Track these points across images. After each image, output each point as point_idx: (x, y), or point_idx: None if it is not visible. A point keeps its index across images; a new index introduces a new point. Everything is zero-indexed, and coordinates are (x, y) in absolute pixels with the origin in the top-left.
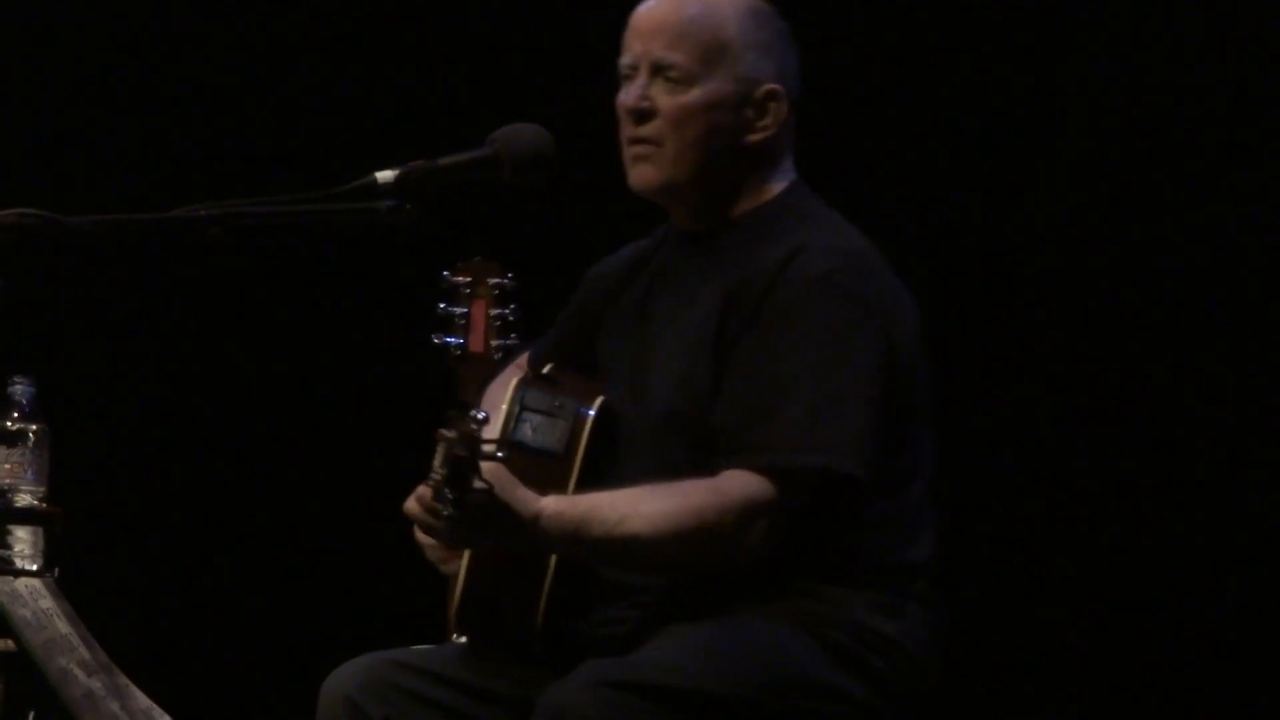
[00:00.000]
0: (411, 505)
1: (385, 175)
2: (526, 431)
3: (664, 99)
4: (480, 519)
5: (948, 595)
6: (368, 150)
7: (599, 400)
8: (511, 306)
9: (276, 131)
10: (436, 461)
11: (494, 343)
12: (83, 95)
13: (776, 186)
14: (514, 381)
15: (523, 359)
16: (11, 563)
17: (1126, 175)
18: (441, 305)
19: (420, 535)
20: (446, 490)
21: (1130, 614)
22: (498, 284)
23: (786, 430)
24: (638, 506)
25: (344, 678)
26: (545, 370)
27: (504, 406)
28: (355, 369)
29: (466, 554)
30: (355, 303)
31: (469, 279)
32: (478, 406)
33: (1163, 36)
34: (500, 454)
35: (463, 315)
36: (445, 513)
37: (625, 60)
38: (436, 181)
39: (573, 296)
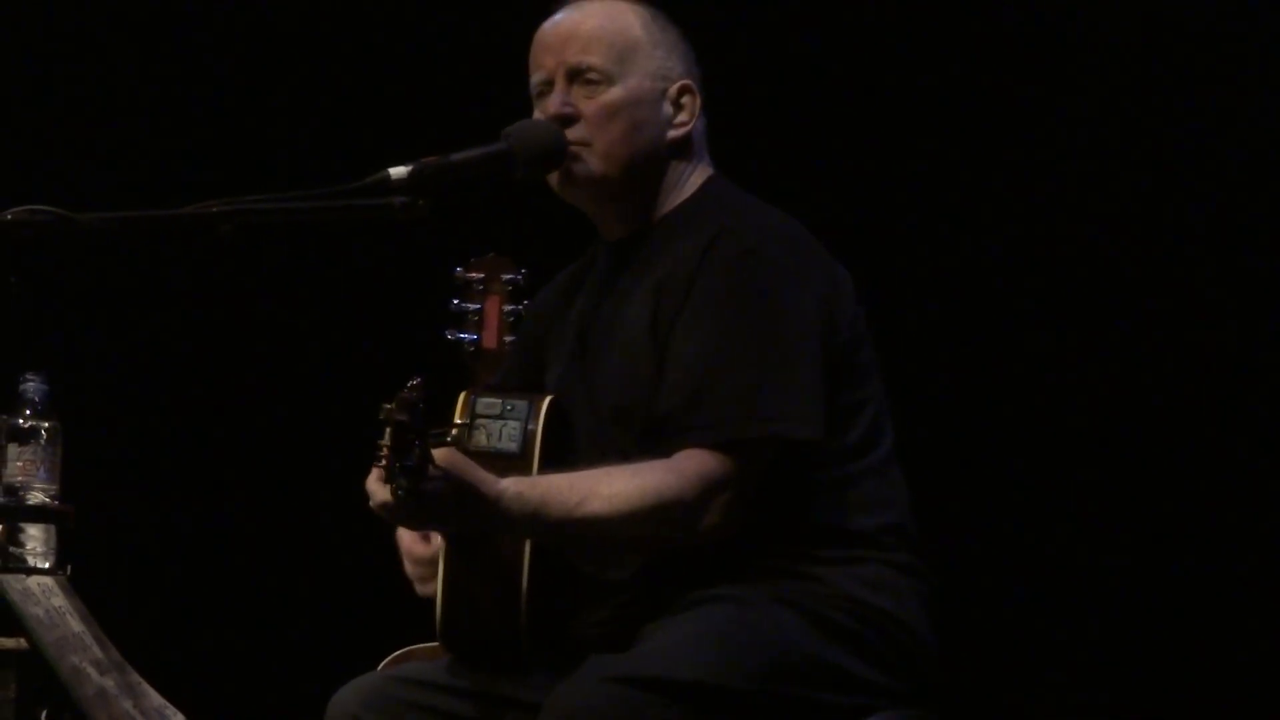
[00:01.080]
0: (368, 486)
1: (398, 171)
2: (481, 439)
3: (585, 102)
4: (437, 500)
5: (939, 569)
6: (380, 146)
7: (548, 398)
8: (524, 302)
9: (288, 128)
10: (383, 438)
11: (507, 338)
12: (94, 92)
13: (696, 182)
14: (462, 395)
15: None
16: (24, 560)
17: (1123, 177)
18: (454, 301)
19: (404, 546)
20: (396, 462)
21: (1129, 598)
22: (510, 280)
23: (733, 403)
24: (596, 488)
25: (348, 696)
26: (492, 381)
27: (457, 419)
28: (368, 365)
29: (441, 568)
30: (368, 299)
31: (482, 275)
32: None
33: (1155, 36)
34: (449, 438)
35: (476, 311)
36: (398, 487)
37: (537, 78)
38: (449, 177)
39: (518, 332)
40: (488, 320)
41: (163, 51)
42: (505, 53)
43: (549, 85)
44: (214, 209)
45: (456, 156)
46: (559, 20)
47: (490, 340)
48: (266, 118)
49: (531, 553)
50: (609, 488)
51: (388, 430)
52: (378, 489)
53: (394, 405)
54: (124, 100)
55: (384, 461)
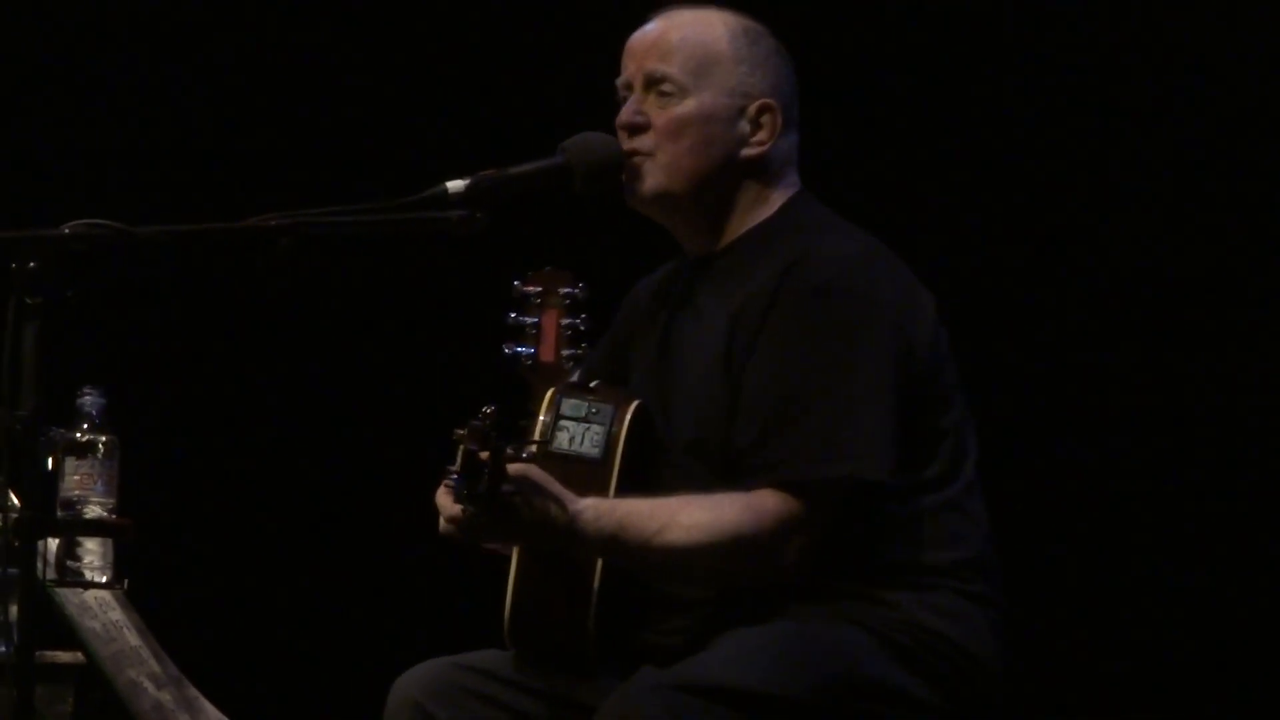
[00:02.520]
0: (439, 500)
1: (456, 185)
2: (564, 439)
3: (657, 112)
4: (511, 518)
5: (1011, 596)
6: (439, 159)
7: (634, 404)
8: (582, 316)
9: (346, 141)
10: (455, 464)
11: (565, 352)
12: (152, 106)
13: (778, 201)
14: (550, 391)
15: (575, 375)
16: (81, 574)
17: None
18: (512, 315)
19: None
20: (463, 487)
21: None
22: (568, 293)
23: (807, 442)
24: (676, 517)
25: (410, 681)
26: (574, 379)
27: (542, 417)
28: (427, 379)
29: (512, 571)
30: (426, 313)
31: (539, 289)
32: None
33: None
34: (524, 455)
35: (534, 325)
36: (465, 511)
37: (621, 81)
38: (507, 191)
39: (614, 318)
40: (545, 334)
41: (220, 66)
42: (569, 64)
43: (629, 89)
44: (272, 222)
45: (513, 170)
46: (650, 27)
47: (548, 354)
48: (325, 132)
49: (605, 563)
50: (689, 518)
51: (459, 454)
52: (447, 505)
53: (466, 432)
54: (180, 115)
55: (452, 485)
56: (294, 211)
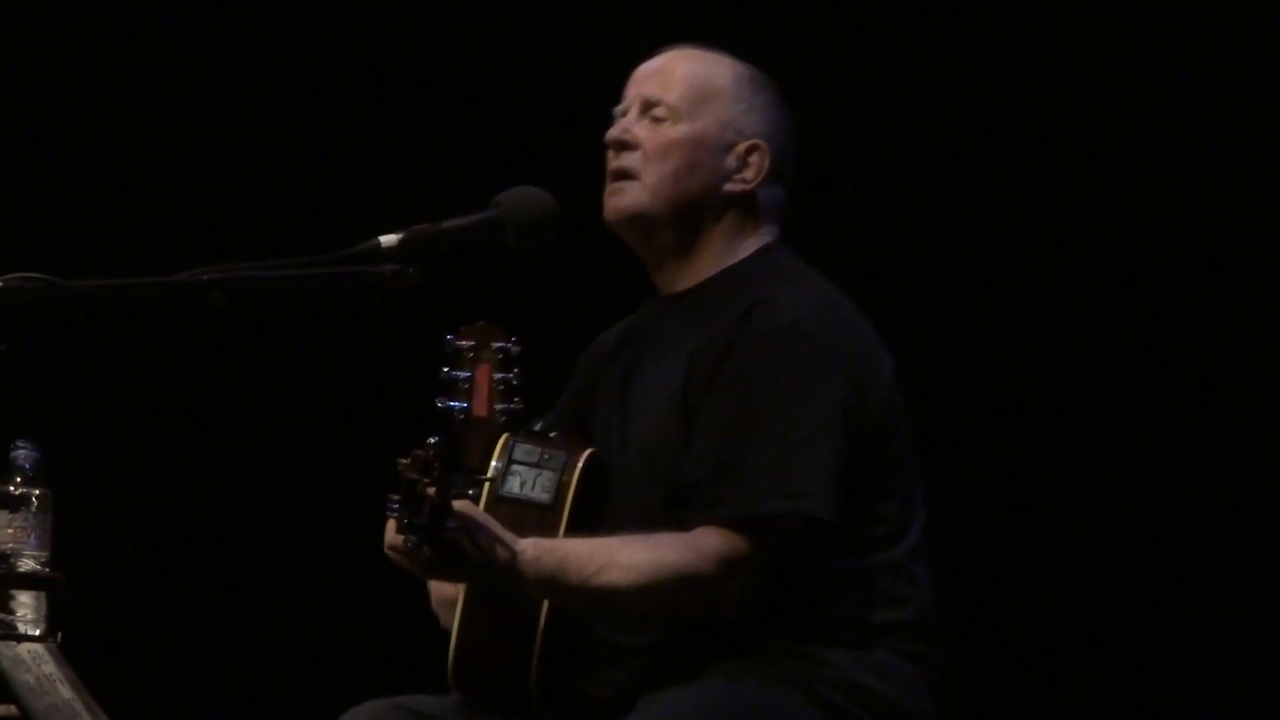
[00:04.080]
0: (386, 532)
1: (389, 239)
2: (514, 484)
3: (647, 133)
4: (453, 555)
5: (949, 649)
6: (370, 213)
7: (587, 452)
8: (515, 371)
9: (279, 195)
10: (397, 493)
11: (498, 407)
12: (86, 159)
13: (752, 245)
14: (504, 436)
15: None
16: (14, 628)
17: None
18: (445, 369)
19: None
20: (407, 517)
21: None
22: (501, 348)
23: (754, 479)
24: (615, 557)
25: (358, 717)
26: (535, 427)
27: (494, 462)
28: (358, 434)
29: (457, 613)
30: (359, 367)
31: (472, 343)
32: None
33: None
34: (469, 492)
35: (466, 379)
36: (409, 541)
37: (619, 108)
38: (440, 245)
39: (575, 371)
40: (478, 388)
41: (153, 117)
42: (497, 119)
43: (625, 113)
44: (205, 276)
45: (447, 224)
46: (658, 58)
47: (480, 408)
48: (258, 184)
49: (549, 607)
50: (629, 558)
51: (401, 484)
52: (393, 537)
53: (409, 462)
54: (116, 167)
55: (394, 515)
56: (227, 265)
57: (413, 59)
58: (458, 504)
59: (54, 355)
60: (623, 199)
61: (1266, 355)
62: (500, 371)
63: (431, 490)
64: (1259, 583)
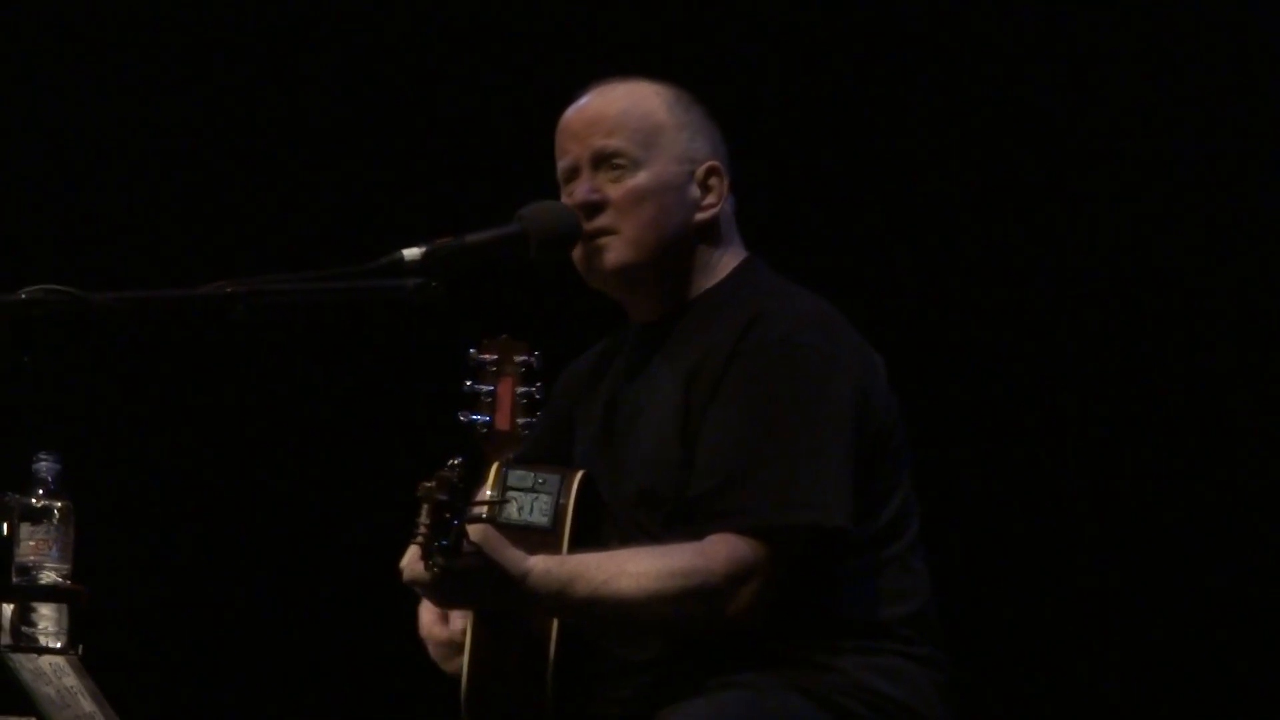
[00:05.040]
0: (404, 563)
1: (412, 252)
2: (512, 511)
3: (613, 187)
4: (470, 578)
5: (953, 651)
6: (393, 227)
7: (580, 473)
8: (537, 384)
9: (302, 208)
10: (421, 515)
11: (520, 420)
12: (110, 172)
13: (729, 264)
14: (495, 465)
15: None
16: (36, 640)
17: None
18: (468, 383)
19: (424, 628)
20: (434, 540)
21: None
22: (524, 361)
23: (768, 490)
24: (625, 566)
25: None
26: (524, 455)
27: (489, 490)
28: (382, 446)
29: (467, 641)
30: (382, 380)
31: (495, 357)
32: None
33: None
34: (484, 515)
35: (489, 393)
36: (434, 565)
37: (563, 164)
38: (463, 258)
39: (550, 396)
40: (500, 402)
41: (180, 130)
42: (526, 131)
43: (575, 172)
44: (227, 290)
45: (470, 238)
46: (583, 105)
47: (503, 422)
48: (281, 197)
49: (559, 629)
50: (637, 566)
51: (425, 508)
52: (413, 565)
53: (434, 484)
54: (142, 179)
55: (421, 539)
56: (250, 278)
57: (434, 75)
58: (472, 529)
59: (77, 368)
60: (608, 256)
61: (1263, 356)
62: (523, 385)
63: (453, 519)
64: (1258, 583)
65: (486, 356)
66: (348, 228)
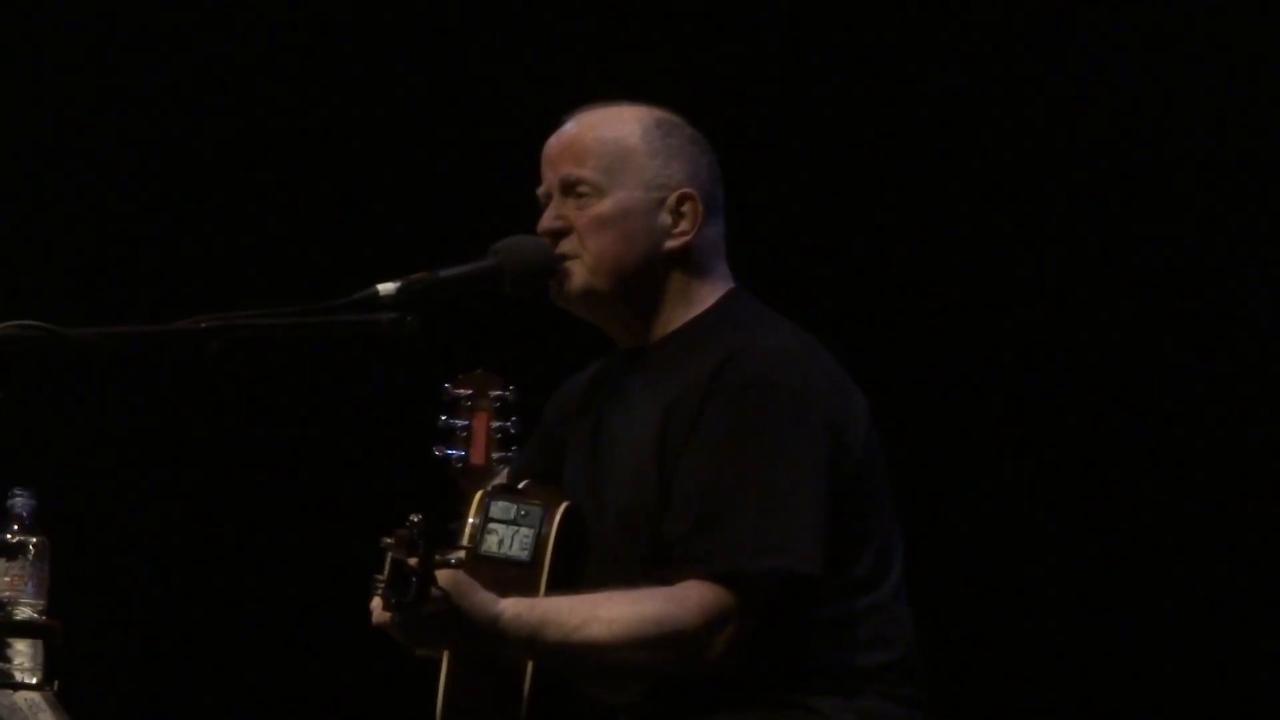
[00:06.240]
0: (373, 605)
1: (387, 287)
2: (493, 543)
3: (576, 214)
4: (437, 622)
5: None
6: (366, 262)
7: (563, 506)
8: (513, 419)
9: (276, 243)
10: (383, 573)
11: (495, 455)
12: (84, 207)
13: (711, 296)
14: (478, 494)
15: (504, 474)
16: (11, 676)
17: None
18: (443, 418)
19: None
20: (390, 596)
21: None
22: (499, 396)
23: (738, 535)
24: (596, 611)
25: None
26: (510, 482)
27: (470, 519)
28: (356, 482)
29: (442, 677)
30: (356, 415)
31: (470, 391)
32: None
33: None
34: (453, 561)
35: (464, 428)
36: (395, 618)
37: (540, 190)
38: (438, 293)
39: (543, 414)
40: (475, 437)
41: (151, 166)
42: (496, 167)
43: (548, 198)
44: (202, 325)
45: (445, 273)
46: (562, 132)
47: (478, 456)
48: (256, 231)
49: (534, 668)
50: (609, 612)
51: (386, 564)
52: (379, 611)
53: (393, 541)
54: (116, 215)
55: (379, 593)
56: (224, 314)
57: (408, 108)
58: (442, 574)
59: (52, 403)
60: (569, 282)
61: (1261, 359)
62: (498, 420)
63: (415, 563)
64: (1255, 590)
65: (461, 391)
66: (323, 262)
